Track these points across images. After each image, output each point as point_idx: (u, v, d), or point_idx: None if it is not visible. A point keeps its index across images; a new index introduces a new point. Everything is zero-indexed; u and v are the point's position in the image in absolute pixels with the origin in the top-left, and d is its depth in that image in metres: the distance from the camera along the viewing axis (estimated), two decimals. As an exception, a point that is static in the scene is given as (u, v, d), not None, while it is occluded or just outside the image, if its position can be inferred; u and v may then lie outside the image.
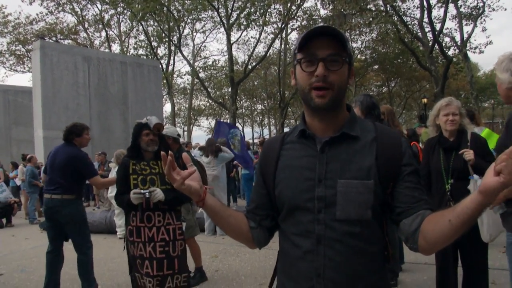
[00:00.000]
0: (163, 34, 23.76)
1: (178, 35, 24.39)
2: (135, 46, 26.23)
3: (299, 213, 1.18)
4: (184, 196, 3.27)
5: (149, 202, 2.95)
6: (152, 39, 24.75)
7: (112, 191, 7.28)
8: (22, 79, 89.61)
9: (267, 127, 43.47)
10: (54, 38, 24.34)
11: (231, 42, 22.73)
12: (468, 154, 2.69)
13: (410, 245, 1.14)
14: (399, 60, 27.96)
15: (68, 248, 4.14)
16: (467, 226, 0.96)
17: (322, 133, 1.20)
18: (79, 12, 25.73)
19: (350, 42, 1.14)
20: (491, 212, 2.26)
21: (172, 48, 25.91)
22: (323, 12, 21.78)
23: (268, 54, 26.25)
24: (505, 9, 26.08)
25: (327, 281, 1.13)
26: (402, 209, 1.14)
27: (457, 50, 20.97)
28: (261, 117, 43.77)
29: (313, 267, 1.14)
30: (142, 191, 2.93)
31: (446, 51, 19.81)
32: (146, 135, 3.13)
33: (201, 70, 28.85)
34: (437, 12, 21.54)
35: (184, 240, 3.19)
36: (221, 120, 14.17)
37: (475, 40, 54.66)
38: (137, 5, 20.10)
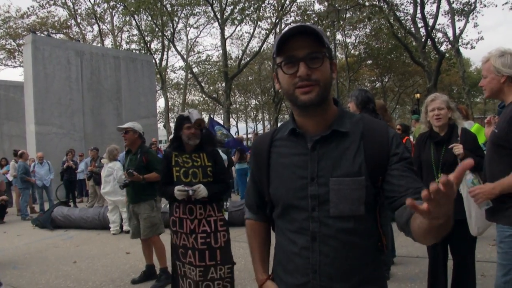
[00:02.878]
0: (156, 29, 23.58)
1: (171, 30, 24.24)
2: (128, 40, 26.05)
3: (293, 211, 1.19)
4: (225, 189, 3.27)
5: (191, 197, 3.02)
6: (145, 33, 24.56)
7: (105, 187, 7.25)
8: (13, 73, 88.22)
9: (261, 122, 43.50)
10: (45, 32, 24.04)
11: (225, 37, 22.64)
12: (458, 149, 2.72)
13: (408, 236, 1.10)
14: (392, 55, 28.07)
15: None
16: (434, 231, 0.91)
17: (312, 130, 1.19)
18: (71, 6, 25.45)
19: (326, 37, 1.10)
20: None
21: (166, 42, 25.76)
22: (317, 7, 21.77)
23: (262, 49, 26.16)
24: (496, 6, 26.27)
25: (323, 277, 1.15)
26: (391, 199, 1.13)
27: (449, 46, 21.10)
28: (255, 112, 43.74)
29: (309, 263, 1.16)
30: (186, 188, 2.99)
31: (439, 47, 19.97)
32: (187, 129, 3.16)
33: (194, 65, 28.73)
34: (430, 8, 21.63)
35: (227, 231, 3.20)
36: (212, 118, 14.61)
37: (467, 35, 54.97)
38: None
